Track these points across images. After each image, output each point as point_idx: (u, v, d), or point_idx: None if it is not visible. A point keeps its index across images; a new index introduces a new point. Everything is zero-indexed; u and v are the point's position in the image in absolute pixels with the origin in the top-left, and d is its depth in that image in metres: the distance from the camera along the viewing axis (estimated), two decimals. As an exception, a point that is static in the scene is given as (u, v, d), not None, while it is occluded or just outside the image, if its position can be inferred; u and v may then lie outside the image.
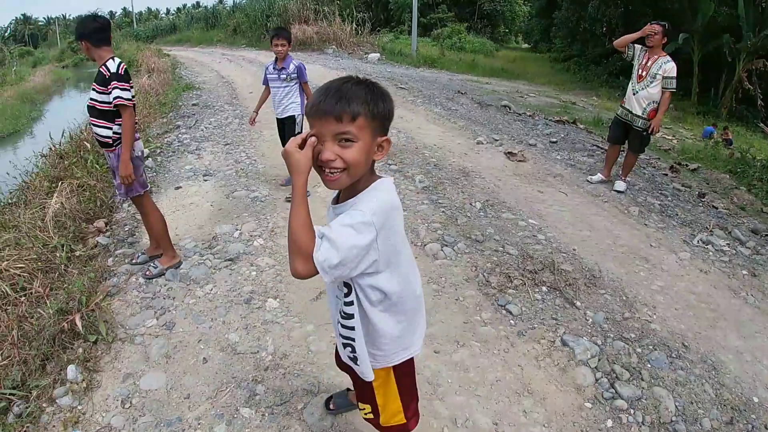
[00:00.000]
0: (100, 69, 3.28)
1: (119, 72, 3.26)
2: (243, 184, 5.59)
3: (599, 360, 2.97)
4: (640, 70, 5.53)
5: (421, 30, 34.63)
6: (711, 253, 4.49)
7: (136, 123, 3.48)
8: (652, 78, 5.41)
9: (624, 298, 3.64)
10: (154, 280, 3.70)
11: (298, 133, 4.78)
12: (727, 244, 4.68)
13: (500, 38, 45.57)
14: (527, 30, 48.74)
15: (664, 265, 4.19)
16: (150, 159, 6.36)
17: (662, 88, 5.40)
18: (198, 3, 49.25)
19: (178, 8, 79.23)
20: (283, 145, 1.77)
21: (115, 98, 3.24)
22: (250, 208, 4.99)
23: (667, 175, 7.20)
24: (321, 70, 15.46)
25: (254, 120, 5.41)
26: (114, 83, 3.23)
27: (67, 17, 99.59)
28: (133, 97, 3.37)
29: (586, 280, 3.80)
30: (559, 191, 5.59)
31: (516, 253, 4.12)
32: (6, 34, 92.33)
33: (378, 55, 23.00)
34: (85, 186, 5.18)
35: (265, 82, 5.15)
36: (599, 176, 6.01)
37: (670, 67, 5.37)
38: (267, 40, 24.01)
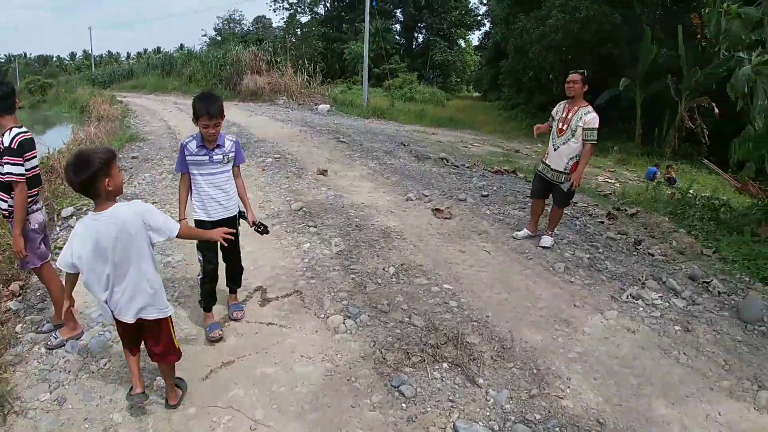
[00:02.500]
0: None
1: (11, 146, 3.18)
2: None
3: (493, 450, 2.71)
4: (560, 124, 5.32)
5: (374, 81, 35.27)
6: (641, 309, 4.34)
7: (35, 195, 3.45)
8: (573, 131, 5.20)
9: (535, 370, 3.41)
10: (54, 351, 3.58)
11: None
12: (660, 296, 4.55)
13: (452, 87, 46.80)
14: (477, 79, 50.12)
15: (587, 327, 4.00)
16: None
17: (583, 140, 5.16)
18: (159, 49, 49.22)
19: (138, 53, 78.70)
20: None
21: (5, 173, 3.18)
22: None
23: (603, 222, 7.15)
24: (267, 122, 15.38)
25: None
26: (6, 158, 3.17)
27: (29, 56, 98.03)
28: (34, 167, 3.34)
29: (495, 352, 3.58)
30: (483, 249, 5.43)
31: (421, 324, 3.89)
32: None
33: (328, 106, 23.15)
34: (4, 246, 4.92)
35: (185, 168, 3.57)
36: (525, 231, 5.86)
37: (590, 118, 5.13)
38: (221, 90, 24.91)
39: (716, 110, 18.18)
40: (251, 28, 51.75)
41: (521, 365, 3.45)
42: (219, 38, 46.90)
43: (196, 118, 3.39)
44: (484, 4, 47.51)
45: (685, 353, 3.70)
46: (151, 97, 26.74)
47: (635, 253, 5.74)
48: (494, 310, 4.18)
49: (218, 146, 3.53)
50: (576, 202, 8.39)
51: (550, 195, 5.65)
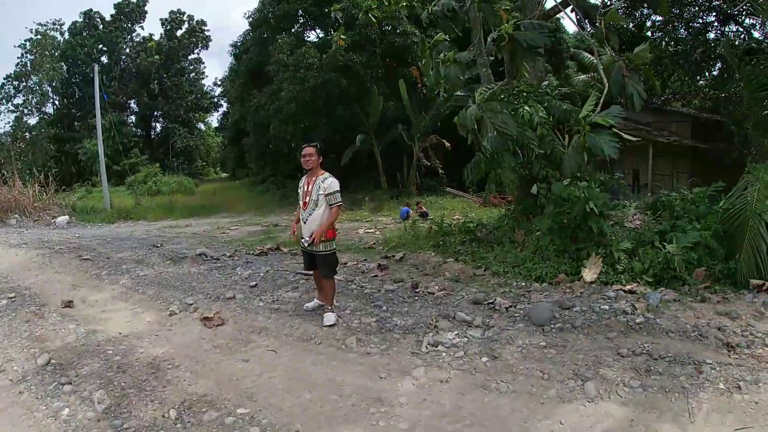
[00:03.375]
0: None
1: None
2: None
3: None
4: (305, 198, 5.30)
5: (115, 179, 32.41)
6: (444, 354, 4.18)
7: None
8: (315, 202, 5.18)
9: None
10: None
11: None
12: (456, 334, 4.47)
13: (199, 172, 45.71)
14: (223, 160, 49.58)
15: (402, 397, 3.68)
16: None
17: (328, 204, 5.17)
18: None
19: None
20: None
21: None
22: None
23: (377, 276, 7.06)
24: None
25: None
26: None
27: None
28: None
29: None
30: (267, 350, 4.78)
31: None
32: None
33: (66, 217, 20.41)
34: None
35: None
36: (315, 302, 5.62)
37: (328, 184, 5.18)
38: None
39: (447, 144, 20.63)
40: None
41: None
42: None
43: None
44: (218, 86, 47.79)
45: (503, 381, 3.65)
46: None
47: (417, 297, 5.71)
48: (303, 419, 3.57)
49: None
50: (346, 263, 8.30)
51: None
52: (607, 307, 4.73)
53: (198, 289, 7.02)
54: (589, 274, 5.56)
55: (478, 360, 4.00)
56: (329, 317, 5.20)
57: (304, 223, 5.24)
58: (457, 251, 7.74)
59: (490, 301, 5.09)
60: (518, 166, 7.65)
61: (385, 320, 5.11)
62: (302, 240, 5.34)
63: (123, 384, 4.51)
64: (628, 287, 5.21)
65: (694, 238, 5.51)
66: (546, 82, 8.76)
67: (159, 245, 11.45)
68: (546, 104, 7.56)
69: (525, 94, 7.57)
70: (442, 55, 7.69)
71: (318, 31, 26.05)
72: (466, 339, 4.38)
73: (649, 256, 5.62)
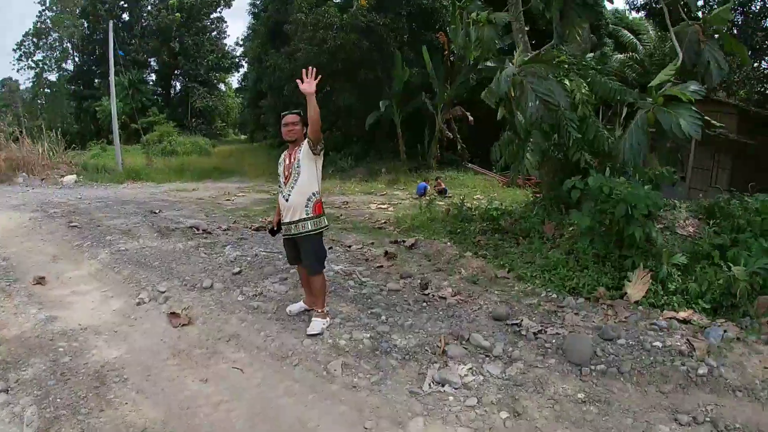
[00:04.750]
0: None
1: None
2: None
3: None
4: (285, 172, 4.33)
5: (134, 137, 31.72)
6: (451, 399, 3.26)
7: None
8: (298, 171, 4.22)
9: None
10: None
11: None
12: (470, 369, 3.50)
13: (218, 133, 44.76)
14: (242, 122, 48.46)
15: None
16: None
17: (313, 153, 4.20)
18: None
19: None
20: None
21: None
22: None
23: (381, 267, 6.13)
24: None
25: None
26: None
27: None
28: None
29: None
30: (233, 367, 3.89)
31: None
32: None
33: (74, 177, 19.88)
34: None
35: None
36: (300, 305, 4.69)
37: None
38: None
39: (470, 118, 19.32)
40: None
41: None
42: None
43: None
44: (240, 45, 46.52)
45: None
46: None
47: (425, 304, 4.77)
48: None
49: None
50: (350, 246, 7.37)
51: None
52: (659, 344, 3.69)
53: (176, 273, 6.17)
54: (634, 291, 4.52)
55: (496, 416, 3.03)
56: (316, 324, 4.27)
57: (286, 200, 4.27)
58: (477, 242, 6.73)
59: (515, 321, 4.09)
60: (551, 148, 6.57)
61: (382, 337, 4.15)
62: (284, 225, 4.39)
63: (59, 400, 3.68)
64: (682, 315, 4.17)
65: (766, 264, 4.40)
66: (591, 54, 7.58)
67: (157, 211, 10.84)
68: (589, 79, 6.43)
69: (566, 66, 6.43)
70: (473, 14, 6.46)
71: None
72: (481, 378, 3.40)
73: (707, 277, 4.55)
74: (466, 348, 3.78)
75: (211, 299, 5.17)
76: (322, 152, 4.25)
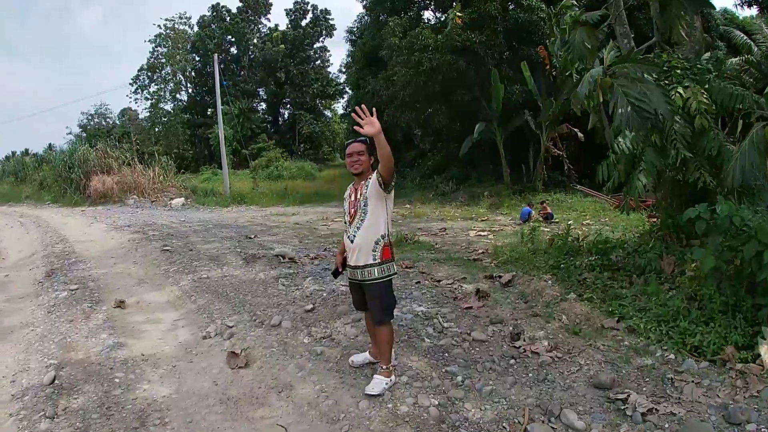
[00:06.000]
0: None
1: None
2: None
3: None
4: (350, 210, 3.78)
5: (244, 163, 33.30)
6: None
7: None
8: (364, 210, 3.65)
9: None
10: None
11: None
12: None
13: (324, 158, 45.98)
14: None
15: None
16: None
17: (383, 191, 3.58)
18: (27, 150, 42.70)
19: (6, 156, 69.21)
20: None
21: None
22: None
23: (470, 309, 5.45)
24: (102, 232, 12.82)
25: None
26: None
27: None
28: None
29: None
30: (278, 424, 3.42)
31: None
32: None
33: (182, 199, 21.07)
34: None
35: None
36: (366, 356, 4.10)
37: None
38: (70, 195, 21.77)
39: (580, 135, 18.05)
40: (116, 122, 48.25)
41: None
42: (84, 134, 43.09)
43: None
44: (343, 72, 47.89)
45: None
46: (3, 209, 22.60)
47: (513, 360, 4.03)
48: None
49: None
50: (440, 281, 6.75)
51: None
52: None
53: (249, 306, 5.89)
54: (770, 354, 3.53)
55: None
56: (377, 383, 3.65)
57: (351, 242, 3.73)
58: (583, 281, 5.82)
59: (621, 396, 3.24)
60: (667, 166, 5.60)
61: (453, 405, 3.43)
62: (348, 268, 3.87)
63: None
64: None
65: None
66: (707, 54, 6.45)
67: (252, 237, 10.88)
68: (707, 85, 5.43)
69: (679, 71, 5.47)
70: (567, 16, 5.67)
71: (434, 11, 24.44)
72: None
73: None
74: (553, 427, 3.00)
75: (276, 339, 4.77)
76: (392, 191, 3.69)
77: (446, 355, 4.21)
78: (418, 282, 6.58)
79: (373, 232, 3.64)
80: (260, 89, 47.10)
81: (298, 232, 12.06)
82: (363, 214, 3.65)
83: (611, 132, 5.44)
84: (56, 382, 4.34)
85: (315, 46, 48.50)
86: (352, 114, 3.50)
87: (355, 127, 3.50)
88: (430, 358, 4.16)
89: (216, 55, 27.28)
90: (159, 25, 44.30)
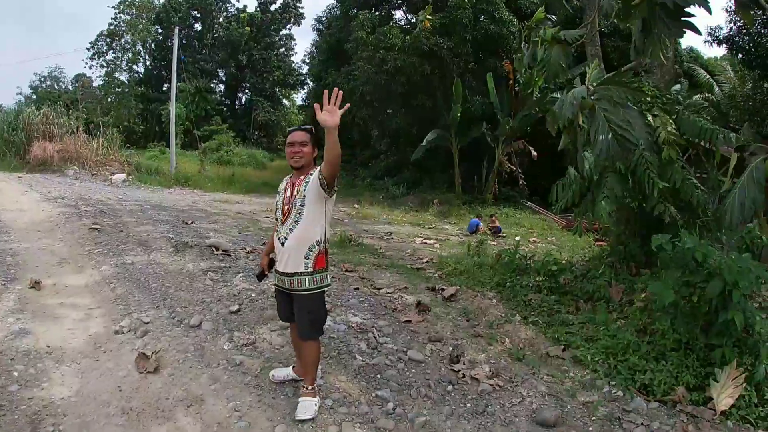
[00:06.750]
0: None
1: None
2: None
3: None
4: (284, 207, 3.31)
5: (195, 144, 32.18)
6: None
7: None
8: (300, 211, 3.20)
9: None
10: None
11: None
12: None
13: (278, 148, 45.06)
14: (302, 139, 48.84)
15: None
16: None
17: (323, 194, 3.17)
18: None
19: None
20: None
21: None
22: None
23: (409, 323, 5.14)
24: (33, 202, 11.81)
25: None
26: None
27: None
28: None
29: None
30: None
31: None
32: None
33: (123, 176, 19.98)
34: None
35: None
36: (288, 372, 3.66)
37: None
38: (9, 159, 20.17)
39: (533, 153, 18.24)
40: (69, 87, 45.86)
41: None
42: (35, 96, 40.72)
43: None
44: (306, 63, 47.19)
45: None
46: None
47: (450, 387, 3.74)
48: None
49: None
50: (380, 289, 6.43)
51: None
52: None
53: (170, 300, 5.39)
54: (722, 397, 3.37)
55: None
56: (308, 406, 3.22)
57: (282, 244, 3.26)
58: (529, 302, 5.63)
59: None
60: (626, 194, 5.48)
61: None
62: (276, 273, 3.40)
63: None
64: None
65: None
66: (678, 86, 6.41)
67: (189, 222, 10.29)
68: (675, 116, 5.34)
69: (650, 98, 5.35)
70: (541, 31, 5.44)
71: (405, 12, 24.29)
72: None
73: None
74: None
75: (192, 343, 4.30)
76: (335, 195, 3.27)
77: (378, 376, 3.85)
78: (357, 288, 6.22)
79: (307, 237, 3.21)
80: (220, 70, 45.90)
81: (239, 222, 11.49)
82: (298, 215, 3.21)
83: (582, 155, 5.25)
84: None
85: (281, 33, 47.66)
86: (324, 91, 3.06)
87: (315, 106, 3.03)
88: (360, 379, 3.79)
89: (177, 27, 26.26)
90: (125, -10, 42.62)
